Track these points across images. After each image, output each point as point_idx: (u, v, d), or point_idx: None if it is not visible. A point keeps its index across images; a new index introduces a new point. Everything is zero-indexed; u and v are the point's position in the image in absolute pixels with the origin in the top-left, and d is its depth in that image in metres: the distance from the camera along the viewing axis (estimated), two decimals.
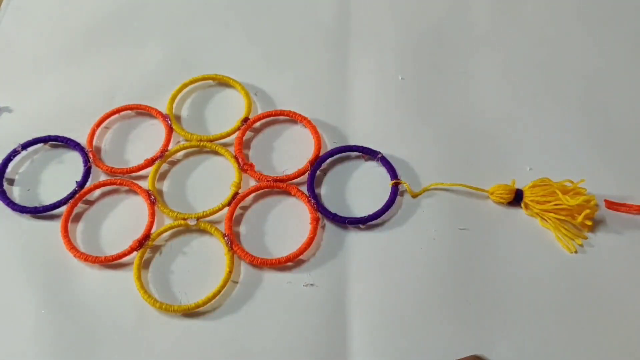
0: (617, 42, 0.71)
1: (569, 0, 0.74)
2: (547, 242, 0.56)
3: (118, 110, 0.65)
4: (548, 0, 0.75)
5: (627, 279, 0.54)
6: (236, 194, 0.59)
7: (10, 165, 0.62)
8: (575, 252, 0.56)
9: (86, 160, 0.62)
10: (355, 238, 0.57)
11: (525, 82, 0.67)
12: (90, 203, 0.60)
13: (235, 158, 0.61)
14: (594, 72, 0.68)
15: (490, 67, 0.69)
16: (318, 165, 0.61)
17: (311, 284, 0.55)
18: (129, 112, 0.66)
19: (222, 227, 0.57)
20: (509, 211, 0.58)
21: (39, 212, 0.59)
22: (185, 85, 0.67)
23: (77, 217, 0.59)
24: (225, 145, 0.63)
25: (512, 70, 0.69)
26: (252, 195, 0.60)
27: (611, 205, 0.57)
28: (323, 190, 0.61)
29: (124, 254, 0.56)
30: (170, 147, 0.63)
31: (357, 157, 0.63)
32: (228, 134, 0.63)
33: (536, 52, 0.70)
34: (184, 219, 0.58)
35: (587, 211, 0.55)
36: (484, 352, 0.51)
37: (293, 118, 0.64)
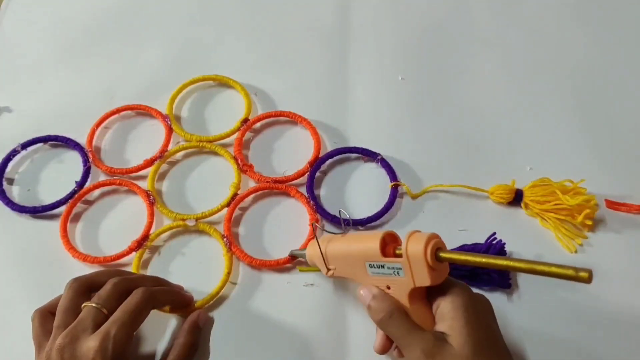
0: (617, 43, 0.71)
1: (569, 1, 0.75)
2: (547, 242, 0.56)
3: (118, 111, 0.65)
4: (548, 0, 0.75)
5: (627, 278, 0.54)
6: (235, 194, 0.59)
7: (10, 164, 0.62)
8: (575, 251, 0.55)
9: (86, 160, 0.62)
10: None
11: (525, 83, 0.68)
12: (90, 203, 0.60)
13: (235, 159, 0.61)
14: (594, 72, 0.68)
15: (490, 68, 0.69)
16: (318, 167, 0.61)
17: (311, 284, 0.55)
18: (129, 112, 0.66)
19: (221, 228, 0.57)
20: (509, 211, 0.58)
21: (38, 211, 0.59)
22: (185, 86, 0.67)
23: (77, 217, 0.59)
24: (224, 145, 0.63)
25: (512, 71, 0.69)
26: (252, 196, 0.60)
27: (611, 204, 0.57)
28: (322, 192, 0.61)
29: (123, 255, 0.56)
30: (170, 147, 0.63)
31: (357, 159, 0.63)
32: (228, 135, 0.63)
33: (536, 53, 0.70)
34: (183, 220, 0.57)
35: (587, 211, 0.55)
36: None
37: (293, 119, 0.64)
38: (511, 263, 0.38)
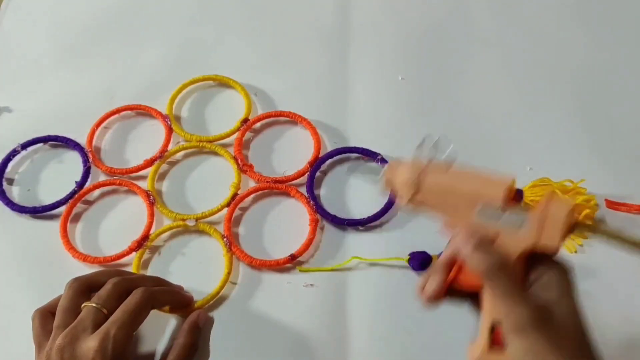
0: (617, 42, 0.71)
1: (568, 1, 0.74)
2: None
3: (118, 111, 0.65)
4: (548, 0, 0.75)
5: (627, 279, 0.54)
6: (235, 194, 0.59)
7: (10, 164, 0.62)
8: (575, 252, 0.55)
9: (85, 160, 0.62)
10: (354, 239, 0.57)
11: (525, 82, 0.68)
12: (90, 203, 0.60)
13: (235, 159, 0.61)
14: (594, 72, 0.68)
15: (490, 67, 0.69)
16: (317, 167, 0.61)
17: (311, 284, 0.55)
18: (129, 112, 0.66)
19: (221, 228, 0.57)
20: None
21: (38, 212, 0.59)
22: (185, 86, 0.67)
23: (77, 217, 0.59)
24: (224, 145, 0.63)
25: (512, 71, 0.69)
26: (252, 196, 0.60)
27: (611, 204, 0.57)
28: (322, 192, 0.61)
29: (123, 255, 0.56)
30: (170, 147, 0.63)
31: (357, 159, 0.63)
32: (228, 135, 0.63)
33: (536, 52, 0.70)
34: (183, 220, 0.58)
35: (587, 211, 0.55)
36: None
37: (293, 119, 0.64)
38: None
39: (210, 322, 0.53)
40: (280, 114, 0.65)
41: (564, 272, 0.39)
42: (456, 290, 0.41)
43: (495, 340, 0.39)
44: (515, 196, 0.40)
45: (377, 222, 0.58)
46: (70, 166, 0.62)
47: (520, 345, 0.37)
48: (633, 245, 0.37)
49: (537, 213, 0.38)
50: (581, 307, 0.39)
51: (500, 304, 0.38)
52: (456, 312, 0.53)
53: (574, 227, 0.38)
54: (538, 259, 0.39)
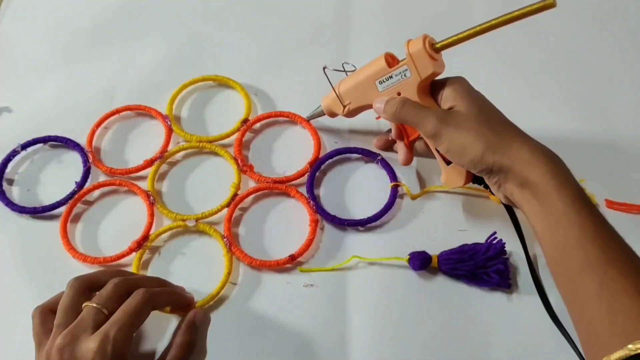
0: (617, 42, 0.71)
1: (569, 0, 0.74)
2: None
3: (118, 111, 0.65)
4: None
5: None
6: (235, 195, 0.59)
7: (10, 165, 0.62)
8: None
9: (85, 161, 0.62)
10: (354, 240, 0.57)
11: (525, 82, 0.68)
12: (90, 203, 0.60)
13: (235, 159, 0.61)
14: (595, 72, 0.68)
15: (489, 67, 0.69)
16: (317, 167, 0.61)
17: (311, 284, 0.55)
18: (129, 112, 0.66)
19: (221, 228, 0.57)
20: None
21: (38, 212, 0.59)
22: (185, 86, 0.67)
23: (77, 218, 0.59)
24: (224, 146, 0.63)
25: (511, 70, 0.69)
26: (252, 196, 0.60)
27: (611, 204, 0.57)
28: (322, 192, 0.61)
29: (123, 255, 0.56)
30: (170, 147, 0.63)
31: (357, 159, 0.63)
32: (228, 135, 0.63)
33: (536, 51, 0.70)
34: (183, 220, 0.58)
35: None
36: None
37: (293, 119, 0.64)
38: (493, 22, 0.48)
39: (207, 320, 0.53)
40: (280, 114, 0.65)
41: (456, 84, 0.51)
42: (413, 142, 0.56)
43: (445, 159, 0.53)
44: (393, 60, 0.54)
45: (377, 222, 0.58)
46: (70, 166, 0.62)
47: (443, 144, 0.49)
48: (476, 33, 0.48)
49: (408, 60, 0.51)
50: (485, 102, 0.51)
51: (420, 128, 0.50)
52: (455, 312, 0.53)
53: (435, 49, 0.50)
54: (438, 86, 0.52)
